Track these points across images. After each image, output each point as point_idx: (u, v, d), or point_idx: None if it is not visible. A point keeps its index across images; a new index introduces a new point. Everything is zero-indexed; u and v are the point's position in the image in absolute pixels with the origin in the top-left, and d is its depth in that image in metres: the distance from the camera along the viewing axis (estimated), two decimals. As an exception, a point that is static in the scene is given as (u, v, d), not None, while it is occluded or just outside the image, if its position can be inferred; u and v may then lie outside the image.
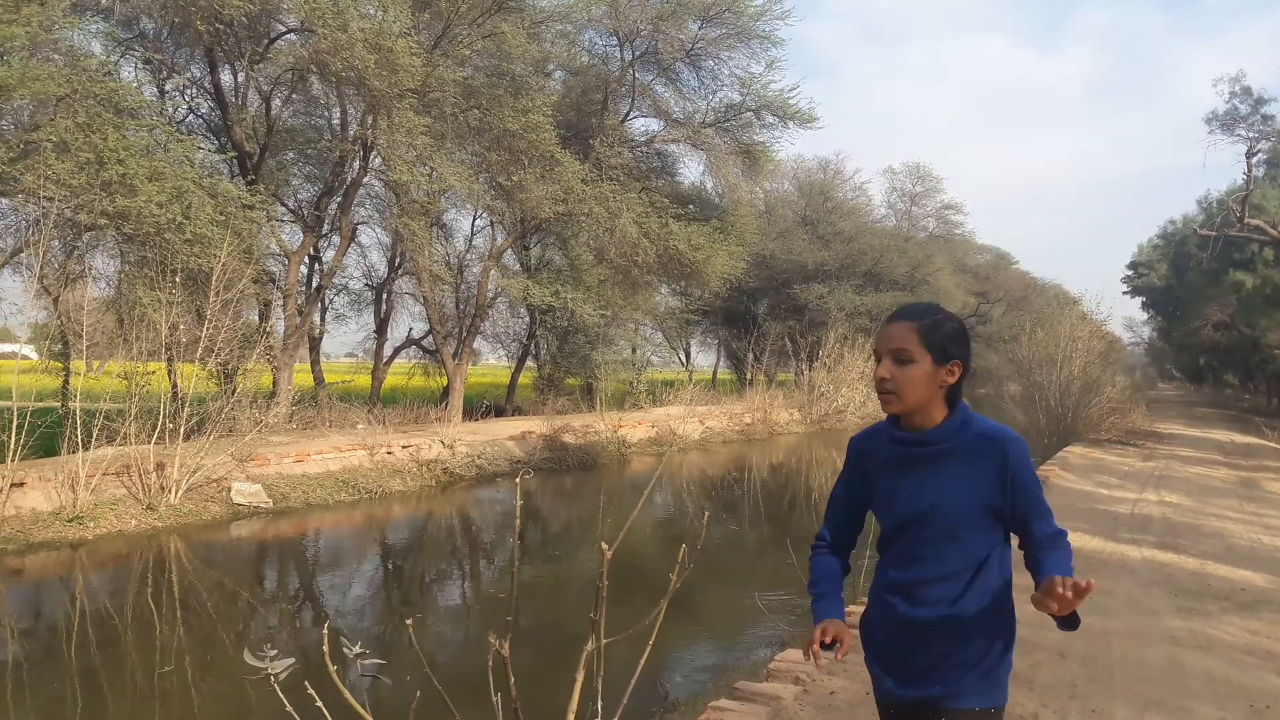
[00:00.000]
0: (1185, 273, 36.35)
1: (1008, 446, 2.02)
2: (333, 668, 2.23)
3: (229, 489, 11.34)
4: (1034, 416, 20.84)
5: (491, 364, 43.87)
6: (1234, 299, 28.65)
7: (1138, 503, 11.21)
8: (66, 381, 13.90)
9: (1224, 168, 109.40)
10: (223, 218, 12.63)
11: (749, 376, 32.95)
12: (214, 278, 12.00)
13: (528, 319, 25.18)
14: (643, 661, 2.68)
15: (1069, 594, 1.79)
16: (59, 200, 10.77)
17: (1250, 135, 31.33)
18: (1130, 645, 5.29)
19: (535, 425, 17.92)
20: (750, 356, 33.12)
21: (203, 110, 18.07)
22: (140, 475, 10.60)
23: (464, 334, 21.50)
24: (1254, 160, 22.81)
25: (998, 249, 55.61)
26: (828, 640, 2.02)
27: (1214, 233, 25.20)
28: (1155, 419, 27.46)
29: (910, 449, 2.08)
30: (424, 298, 20.39)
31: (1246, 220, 21.89)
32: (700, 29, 19.50)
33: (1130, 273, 48.30)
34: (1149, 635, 5.51)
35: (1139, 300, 49.49)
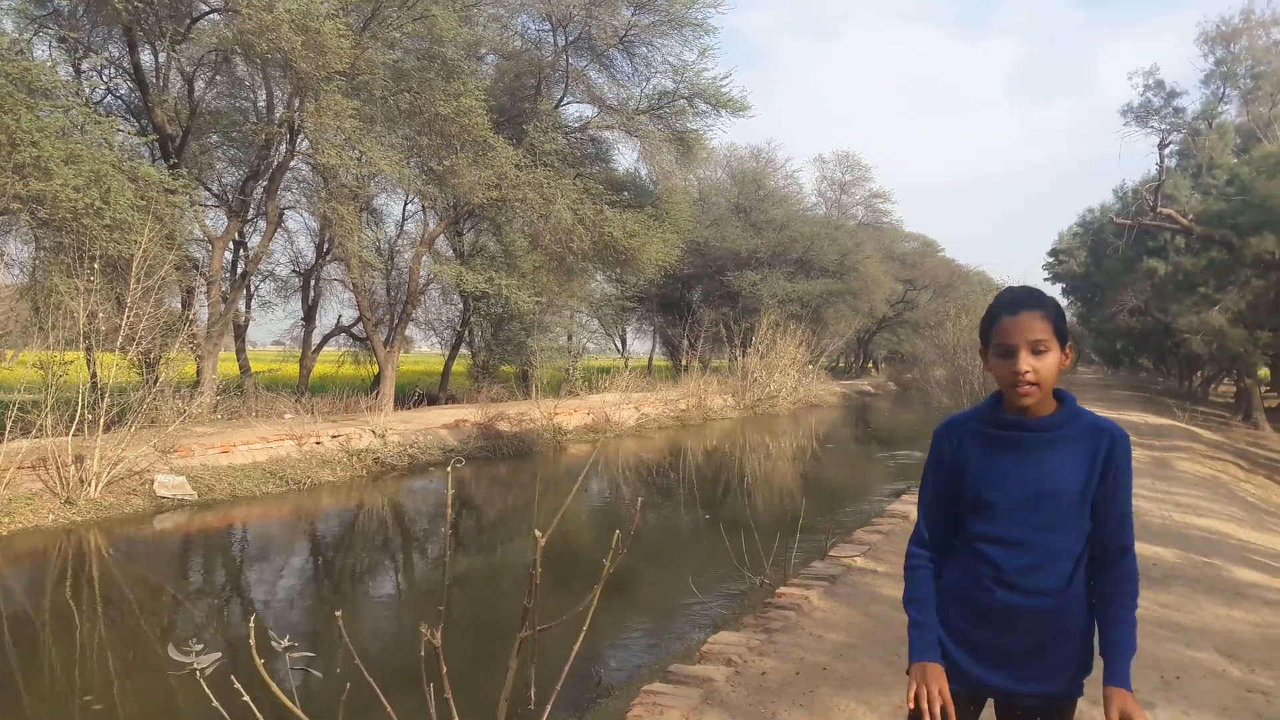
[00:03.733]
0: (1103, 260, 37.40)
1: (1116, 439, 2.04)
2: (259, 661, 2.20)
3: (152, 481, 11.05)
4: (959, 400, 21.34)
5: (425, 352, 43.39)
6: (1148, 285, 29.60)
7: (1058, 484, 11.52)
8: (-22, 372, 13.40)
9: (1139, 158, 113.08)
10: (144, 202, 12.26)
11: (684, 363, 33.13)
12: (134, 264, 11.64)
13: (461, 306, 24.95)
14: (576, 647, 2.70)
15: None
16: (-32, 183, 10.34)
17: (1163, 127, 32.41)
18: (1050, 622, 5.45)
19: (470, 413, 17.78)
20: (685, 343, 33.30)
21: (122, 91, 17.49)
22: (58, 468, 10.27)
23: (395, 321, 21.21)
24: (1166, 151, 23.53)
25: (924, 236, 56.87)
26: (933, 692, 2.00)
27: (1129, 221, 25.97)
28: (1076, 402, 28.24)
29: (1022, 433, 2.07)
30: (353, 284, 20.07)
31: (1159, 209, 22.59)
32: (633, 15, 19.44)
33: (1051, 260, 49.48)
34: (1068, 612, 5.69)
35: (1059, 286, 50.74)
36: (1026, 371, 1.98)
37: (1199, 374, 41.46)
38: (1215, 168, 28.87)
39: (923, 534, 2.23)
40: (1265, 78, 30.42)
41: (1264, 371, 34.80)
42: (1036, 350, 1.99)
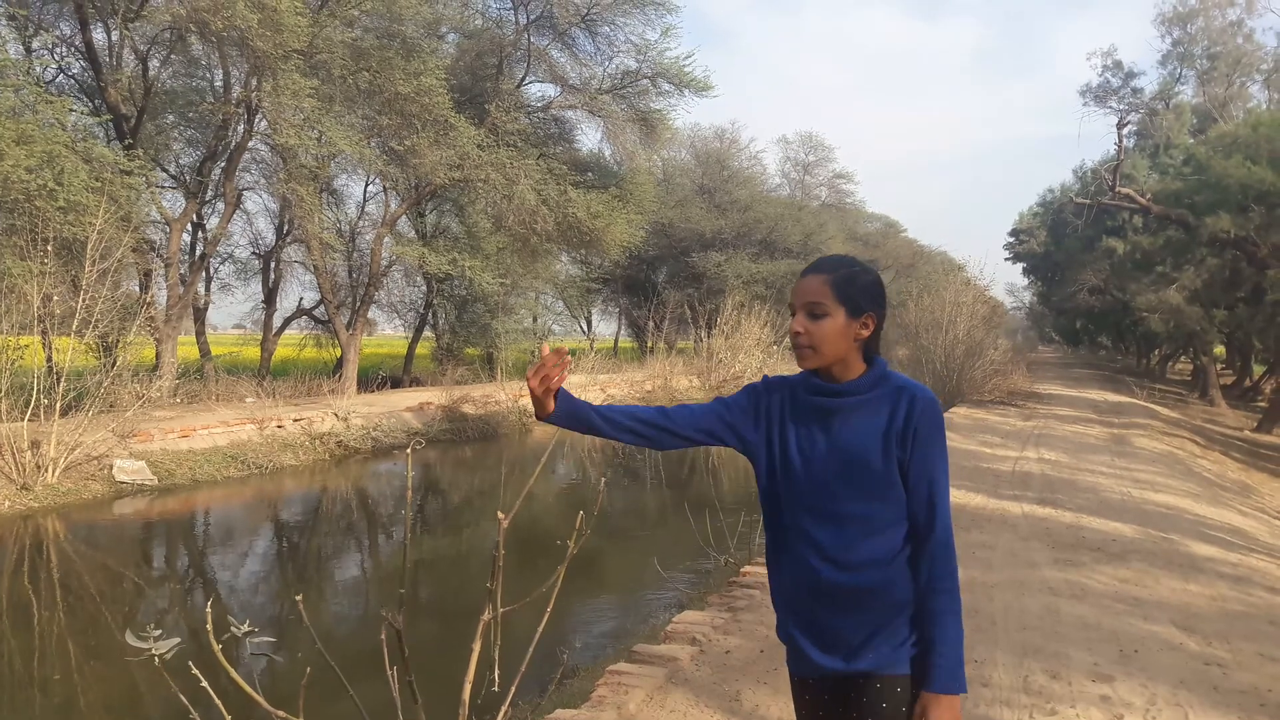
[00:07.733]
0: (1063, 239, 37.83)
1: (917, 399, 1.95)
2: (216, 646, 2.18)
3: (111, 466, 10.90)
4: (920, 379, 21.44)
5: (388, 334, 42.98)
6: (1107, 264, 30.02)
7: (1018, 460, 11.71)
8: (-72, 357, 13.08)
9: (1097, 138, 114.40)
10: (98, 184, 12.04)
11: (650, 344, 33.11)
12: (90, 246, 11.43)
13: (424, 288, 24.74)
14: (540, 629, 2.69)
15: None
16: (-86, 164, 10.08)
17: (1121, 107, 32.78)
18: (1010, 596, 5.54)
19: (434, 396, 17.68)
20: (651, 324, 33.27)
21: (74, 70, 17.11)
22: (14, 454, 10.09)
23: (358, 303, 21.03)
24: (1125, 131, 23.85)
25: (887, 217, 57.11)
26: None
27: (1088, 201, 26.31)
28: (1035, 380, 28.68)
29: (827, 399, 1.99)
30: (314, 266, 19.83)
31: (1118, 189, 22.87)
32: (595, -7, 19.30)
33: (1012, 239, 49.92)
34: (1028, 586, 5.78)
35: (1020, 266, 51.27)
36: (798, 333, 1.96)
37: (1157, 352, 42.10)
38: (1172, 148, 29.26)
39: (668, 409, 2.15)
40: (1221, 58, 30.85)
41: (1219, 349, 35.43)
42: (813, 313, 1.95)
